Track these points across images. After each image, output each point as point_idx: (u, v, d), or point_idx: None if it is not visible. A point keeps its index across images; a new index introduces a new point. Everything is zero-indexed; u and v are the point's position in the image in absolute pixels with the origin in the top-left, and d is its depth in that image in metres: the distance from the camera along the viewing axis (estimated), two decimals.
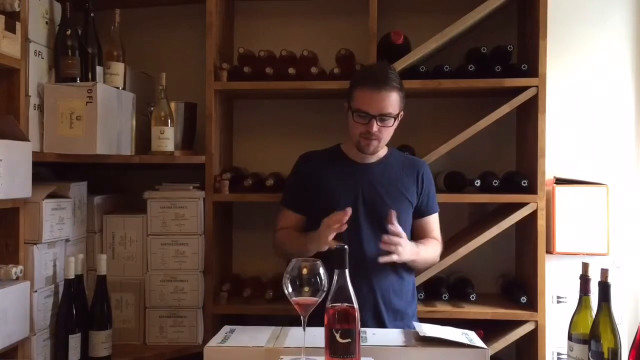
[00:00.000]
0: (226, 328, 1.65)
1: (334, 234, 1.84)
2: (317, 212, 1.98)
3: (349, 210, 1.84)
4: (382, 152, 2.08)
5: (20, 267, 1.85)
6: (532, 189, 2.35)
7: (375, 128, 1.91)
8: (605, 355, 1.37)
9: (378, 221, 1.96)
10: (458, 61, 2.51)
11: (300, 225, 2.10)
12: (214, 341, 1.54)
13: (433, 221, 2.12)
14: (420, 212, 2.09)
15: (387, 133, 1.97)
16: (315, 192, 2.03)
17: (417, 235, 2.09)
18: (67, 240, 2.13)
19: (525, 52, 2.50)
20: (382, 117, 1.92)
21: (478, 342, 1.51)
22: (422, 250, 2.00)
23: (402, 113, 2.00)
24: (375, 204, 1.99)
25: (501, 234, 2.37)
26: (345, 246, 1.35)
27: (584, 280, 1.45)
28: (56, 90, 2.06)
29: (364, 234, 1.98)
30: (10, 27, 1.83)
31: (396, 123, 1.99)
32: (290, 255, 1.99)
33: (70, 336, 2.03)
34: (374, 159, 2.06)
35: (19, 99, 1.91)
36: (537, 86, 2.33)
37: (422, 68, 2.41)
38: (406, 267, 2.04)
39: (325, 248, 1.84)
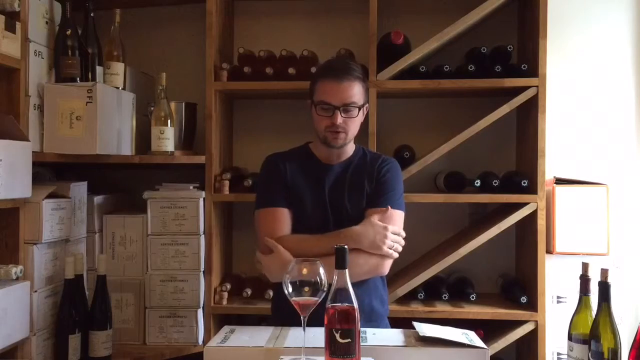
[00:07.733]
0: (226, 328, 1.65)
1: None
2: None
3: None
4: (349, 150, 1.97)
5: (20, 267, 1.85)
6: (532, 189, 2.35)
7: (339, 119, 1.83)
8: (605, 355, 1.37)
9: (343, 223, 1.86)
10: (458, 61, 2.51)
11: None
12: (214, 341, 1.54)
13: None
14: (368, 203, 1.90)
15: (354, 125, 1.88)
16: (288, 192, 1.92)
17: None
18: (67, 240, 2.13)
19: (525, 52, 2.50)
20: (346, 108, 1.84)
21: (478, 342, 1.51)
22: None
23: (367, 106, 1.94)
24: (339, 206, 1.90)
25: (501, 234, 2.37)
26: (345, 246, 1.35)
27: (584, 280, 1.45)
28: (56, 90, 2.06)
29: None
30: (10, 27, 1.83)
31: (361, 115, 1.90)
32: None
33: (70, 336, 2.03)
34: (339, 159, 1.95)
35: (19, 99, 1.91)
36: (537, 86, 2.33)
37: (422, 68, 2.41)
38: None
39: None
